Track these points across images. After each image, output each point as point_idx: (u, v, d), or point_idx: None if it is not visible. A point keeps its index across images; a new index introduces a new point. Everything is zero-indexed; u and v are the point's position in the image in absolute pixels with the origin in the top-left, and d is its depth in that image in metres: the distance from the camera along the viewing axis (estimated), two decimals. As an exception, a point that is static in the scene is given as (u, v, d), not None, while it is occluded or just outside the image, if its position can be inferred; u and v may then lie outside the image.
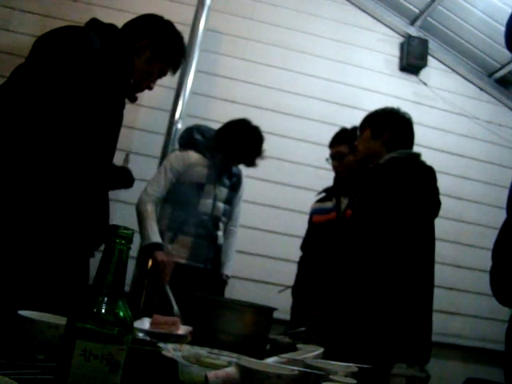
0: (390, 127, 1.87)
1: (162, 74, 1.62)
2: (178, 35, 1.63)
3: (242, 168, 2.51)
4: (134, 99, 1.61)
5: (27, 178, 1.26)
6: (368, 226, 1.67)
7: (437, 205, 1.77)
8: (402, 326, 1.60)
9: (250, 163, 2.35)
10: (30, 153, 1.23)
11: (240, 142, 2.28)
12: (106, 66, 1.39)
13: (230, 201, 2.42)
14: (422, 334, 1.67)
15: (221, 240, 2.40)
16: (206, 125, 2.53)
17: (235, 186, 2.45)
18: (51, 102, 1.25)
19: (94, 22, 1.48)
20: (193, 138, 2.42)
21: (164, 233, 2.29)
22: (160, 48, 1.56)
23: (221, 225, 2.39)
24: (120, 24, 1.55)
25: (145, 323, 1.53)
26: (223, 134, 2.36)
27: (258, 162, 2.37)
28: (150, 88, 1.62)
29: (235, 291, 2.60)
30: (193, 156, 2.34)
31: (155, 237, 2.19)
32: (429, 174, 1.76)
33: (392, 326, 1.59)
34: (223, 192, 2.37)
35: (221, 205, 2.36)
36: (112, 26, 1.49)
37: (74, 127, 1.33)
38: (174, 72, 1.68)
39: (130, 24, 1.58)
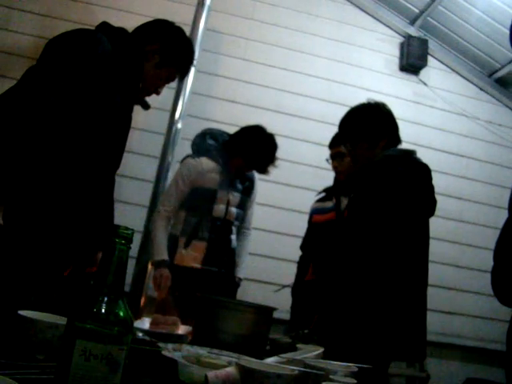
0: (386, 134, 1.84)
1: (170, 79, 1.62)
2: (187, 41, 1.64)
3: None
4: (147, 107, 1.61)
5: (35, 180, 1.26)
6: (362, 224, 1.66)
7: (432, 203, 1.75)
8: (398, 324, 1.60)
9: (263, 170, 2.35)
10: (38, 154, 1.24)
11: (255, 150, 2.28)
12: (116, 70, 1.40)
13: (243, 205, 2.42)
14: (417, 331, 1.67)
15: (234, 243, 2.41)
16: (218, 129, 2.51)
17: (248, 190, 2.45)
18: (62, 104, 1.25)
19: (105, 26, 1.48)
20: (205, 143, 2.42)
21: (178, 238, 2.31)
22: (170, 53, 1.56)
23: (234, 229, 2.40)
24: (121, 24, 1.55)
25: (145, 323, 1.53)
26: (238, 141, 2.35)
27: (271, 169, 2.37)
28: (158, 93, 1.62)
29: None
30: (205, 162, 2.34)
31: (159, 255, 2.23)
32: (423, 171, 1.75)
33: (388, 324, 1.58)
34: (236, 197, 2.37)
35: (234, 209, 2.36)
36: (122, 30, 1.50)
37: (84, 129, 1.33)
38: (182, 78, 1.68)
39: (140, 28, 1.58)
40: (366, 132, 1.83)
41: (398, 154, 1.79)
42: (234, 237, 2.40)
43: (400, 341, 1.61)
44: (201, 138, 2.46)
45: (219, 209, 2.31)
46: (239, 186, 2.39)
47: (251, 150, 2.28)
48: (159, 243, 2.26)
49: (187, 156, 2.43)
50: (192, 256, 2.27)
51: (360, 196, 1.75)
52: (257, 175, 2.51)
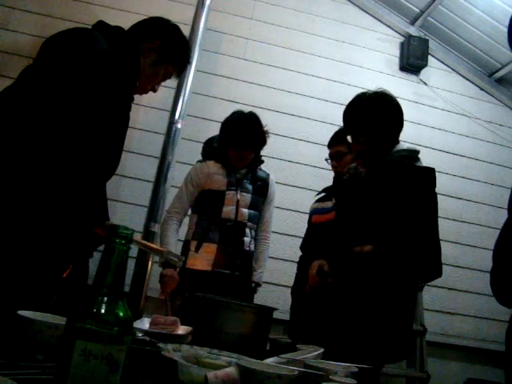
0: (401, 129, 1.81)
1: (167, 76, 1.63)
2: (184, 39, 1.64)
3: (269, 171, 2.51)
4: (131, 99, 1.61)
5: (32, 180, 1.26)
6: (374, 226, 1.63)
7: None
8: (393, 326, 1.59)
9: (254, 148, 2.33)
10: (35, 154, 1.23)
11: (231, 130, 2.30)
12: (112, 68, 1.40)
13: (256, 206, 2.38)
14: (407, 332, 1.67)
15: (249, 246, 2.36)
16: None
17: (260, 190, 2.41)
18: (59, 103, 1.25)
19: (101, 24, 1.48)
20: (212, 147, 2.44)
21: (190, 242, 2.31)
22: (167, 51, 1.56)
23: (248, 230, 2.35)
24: (121, 23, 1.55)
25: (145, 323, 1.53)
26: (220, 134, 2.39)
27: (264, 143, 2.39)
28: (155, 90, 1.62)
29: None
30: (211, 165, 2.35)
31: None
32: (434, 177, 1.74)
33: (384, 326, 1.58)
34: (246, 197, 2.33)
35: (245, 210, 2.32)
36: (119, 28, 1.50)
37: (81, 128, 1.33)
38: (179, 75, 1.68)
39: (136, 26, 1.59)
40: (386, 127, 1.76)
41: (414, 155, 1.76)
42: (247, 239, 2.34)
43: (393, 343, 1.61)
44: (208, 143, 2.50)
45: (229, 210, 2.28)
46: (249, 187, 2.36)
47: (229, 133, 2.30)
48: (167, 243, 2.27)
49: (198, 161, 2.46)
50: (203, 259, 2.26)
51: (380, 195, 1.68)
52: (272, 177, 2.49)
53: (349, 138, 1.82)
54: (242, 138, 2.28)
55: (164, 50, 1.56)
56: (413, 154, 1.76)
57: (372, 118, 1.75)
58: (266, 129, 2.37)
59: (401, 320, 1.63)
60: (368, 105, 1.78)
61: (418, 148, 1.85)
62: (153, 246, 1.93)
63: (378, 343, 1.56)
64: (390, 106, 1.79)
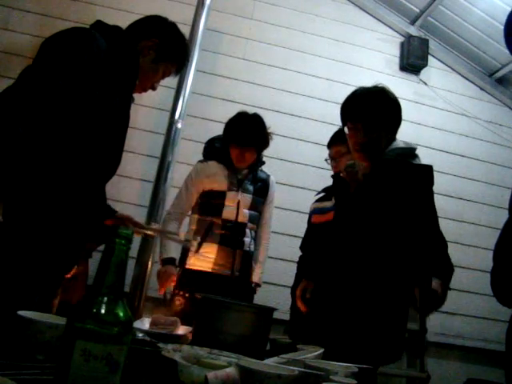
0: (390, 120, 1.81)
1: (166, 74, 1.63)
2: (182, 37, 1.65)
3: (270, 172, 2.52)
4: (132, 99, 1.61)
5: (34, 180, 1.26)
6: (373, 227, 1.63)
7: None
8: (390, 325, 1.60)
9: (257, 145, 2.33)
10: (37, 154, 1.23)
11: (235, 129, 2.32)
12: (112, 67, 1.40)
13: (256, 206, 2.38)
14: (403, 330, 1.67)
15: (249, 246, 2.36)
16: None
17: (261, 191, 2.41)
18: (59, 103, 1.25)
19: (99, 24, 1.48)
20: (213, 147, 2.44)
21: (190, 242, 2.31)
22: (166, 49, 1.57)
23: (248, 231, 2.35)
24: (121, 23, 1.55)
25: (145, 323, 1.53)
26: (224, 133, 2.39)
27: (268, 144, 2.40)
28: (154, 88, 1.63)
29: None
30: (213, 166, 2.36)
31: (167, 253, 2.29)
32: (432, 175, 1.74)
33: (381, 325, 1.58)
34: (247, 198, 2.34)
35: (245, 211, 2.32)
36: (117, 28, 1.50)
37: (82, 128, 1.33)
38: (177, 73, 1.69)
39: (134, 25, 1.59)
40: (384, 116, 1.75)
41: (411, 152, 1.76)
42: (247, 239, 2.34)
43: (390, 343, 1.61)
44: (210, 143, 2.50)
45: (229, 210, 2.28)
46: (250, 187, 2.36)
47: (232, 130, 2.32)
48: (167, 243, 2.28)
49: (199, 161, 2.46)
50: (203, 259, 2.26)
51: (379, 194, 1.67)
52: (272, 178, 2.49)
53: (346, 129, 1.81)
54: (245, 134, 2.29)
55: (163, 47, 1.56)
56: (409, 152, 1.75)
57: (370, 104, 1.75)
58: (269, 131, 2.38)
59: (397, 320, 1.63)
60: (367, 94, 1.79)
61: (415, 146, 1.84)
62: (151, 228, 1.96)
63: (376, 343, 1.56)
64: (388, 98, 1.80)
